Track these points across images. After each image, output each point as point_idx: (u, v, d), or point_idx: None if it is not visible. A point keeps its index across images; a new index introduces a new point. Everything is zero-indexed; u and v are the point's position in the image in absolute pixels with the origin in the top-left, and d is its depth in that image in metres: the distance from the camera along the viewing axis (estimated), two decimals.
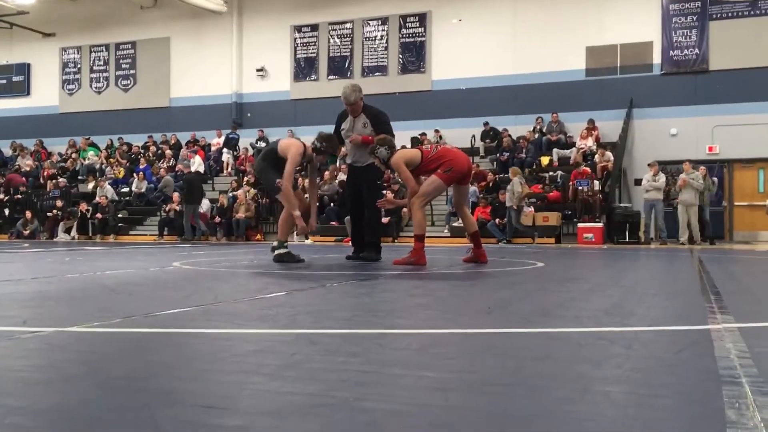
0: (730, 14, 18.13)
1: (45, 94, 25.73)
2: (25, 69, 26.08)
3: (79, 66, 25.52)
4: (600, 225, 15.42)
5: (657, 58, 18.69)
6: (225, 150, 22.11)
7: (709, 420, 1.48)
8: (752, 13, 17.95)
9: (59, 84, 25.74)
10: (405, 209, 7.25)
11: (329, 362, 2.08)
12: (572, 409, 1.56)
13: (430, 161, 6.61)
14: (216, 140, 22.58)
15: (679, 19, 18.50)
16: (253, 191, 18.56)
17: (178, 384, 1.81)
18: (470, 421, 1.48)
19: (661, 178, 15.55)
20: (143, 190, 20.81)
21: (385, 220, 17.03)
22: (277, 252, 6.86)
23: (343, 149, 7.75)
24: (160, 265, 7.20)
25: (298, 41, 22.53)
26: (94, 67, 25.30)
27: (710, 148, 17.90)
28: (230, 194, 18.76)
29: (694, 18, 18.38)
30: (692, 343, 2.46)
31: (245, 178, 19.65)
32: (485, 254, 7.06)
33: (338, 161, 17.87)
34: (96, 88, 25.28)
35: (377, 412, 1.52)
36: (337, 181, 17.96)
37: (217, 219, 18.19)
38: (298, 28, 22.52)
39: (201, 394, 1.71)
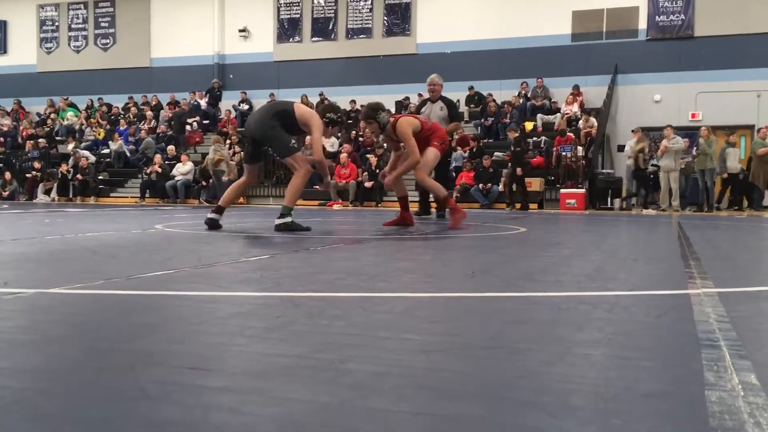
0: None
1: (22, 52, 25.22)
2: (1, 26, 25.51)
3: (57, 24, 24.99)
4: (582, 191, 15.50)
5: (643, 24, 18.62)
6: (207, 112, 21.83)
7: (688, 382, 1.50)
8: None
9: (37, 42, 25.23)
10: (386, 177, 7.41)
11: (313, 325, 2.09)
12: (554, 371, 1.58)
13: (428, 132, 7.18)
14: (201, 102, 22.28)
15: None
16: (238, 155, 18.39)
17: (162, 345, 1.81)
18: (453, 382, 1.50)
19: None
20: (124, 149, 20.57)
21: (368, 184, 17.04)
22: (281, 221, 6.15)
23: None
24: (143, 227, 7.16)
25: (282, 2, 22.18)
26: (73, 26, 24.79)
27: (693, 115, 17.96)
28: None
29: None
30: (672, 308, 2.49)
31: (228, 141, 19.46)
32: (411, 217, 7.39)
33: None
34: (75, 47, 24.81)
35: (361, 374, 1.54)
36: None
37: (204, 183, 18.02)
38: None
39: (185, 356, 1.71)
